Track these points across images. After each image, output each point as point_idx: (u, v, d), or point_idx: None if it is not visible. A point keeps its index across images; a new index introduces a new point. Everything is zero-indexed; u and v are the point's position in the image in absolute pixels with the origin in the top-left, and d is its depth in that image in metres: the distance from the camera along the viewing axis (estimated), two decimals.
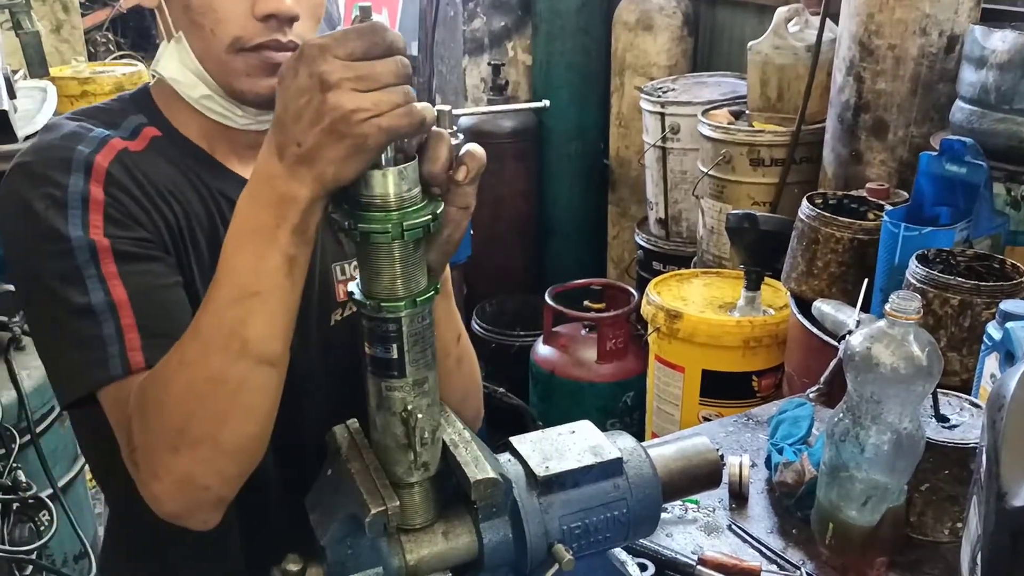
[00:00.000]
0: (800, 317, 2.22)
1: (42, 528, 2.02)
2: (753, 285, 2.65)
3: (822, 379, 1.72)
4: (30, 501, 1.98)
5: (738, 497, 1.42)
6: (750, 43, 3.08)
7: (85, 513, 2.32)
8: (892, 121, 2.47)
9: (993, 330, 1.46)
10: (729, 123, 3.10)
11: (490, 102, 4.27)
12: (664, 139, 3.42)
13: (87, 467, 2.26)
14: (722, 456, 1.16)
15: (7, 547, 1.92)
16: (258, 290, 0.81)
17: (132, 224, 0.96)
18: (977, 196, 1.98)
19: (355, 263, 1.07)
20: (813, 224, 2.17)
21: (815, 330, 2.12)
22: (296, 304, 0.84)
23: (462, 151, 0.84)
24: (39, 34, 3.41)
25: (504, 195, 4.18)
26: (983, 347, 1.49)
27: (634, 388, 3.24)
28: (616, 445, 0.95)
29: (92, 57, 4.22)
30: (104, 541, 1.26)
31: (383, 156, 0.77)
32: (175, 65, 1.02)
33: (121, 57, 4.29)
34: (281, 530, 0.94)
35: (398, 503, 0.82)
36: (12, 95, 2.65)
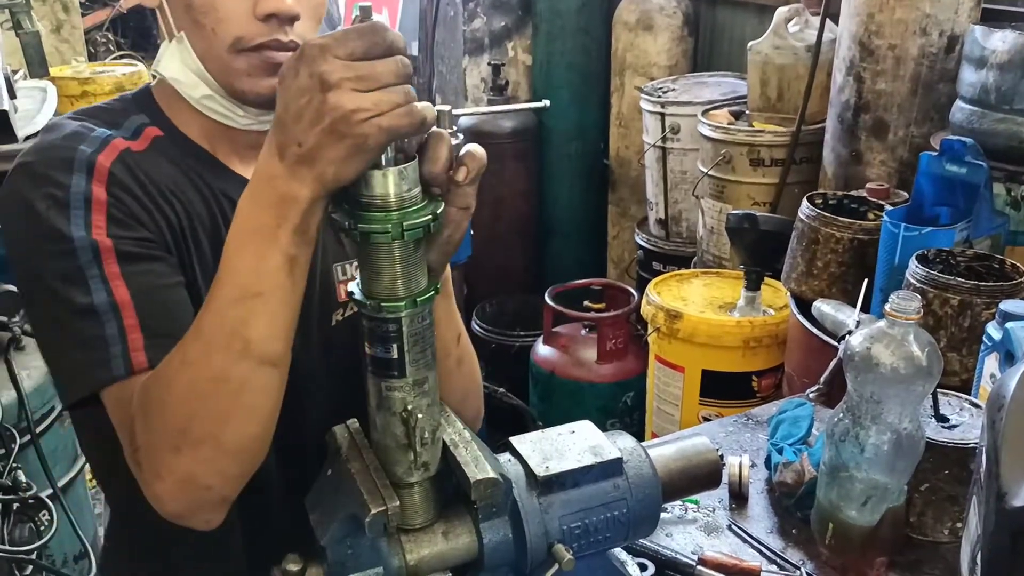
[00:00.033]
0: (800, 317, 2.22)
1: (42, 528, 2.02)
2: (753, 285, 2.65)
3: (822, 379, 1.72)
4: (30, 501, 1.98)
5: (738, 497, 1.42)
6: (750, 43, 3.08)
7: (85, 513, 2.32)
8: (892, 121, 2.47)
9: (993, 330, 1.46)
10: (729, 123, 3.10)
11: (490, 102, 4.27)
12: (664, 139, 3.42)
13: (87, 467, 2.26)
14: (722, 456, 1.16)
15: (7, 547, 1.92)
16: (260, 290, 0.81)
17: (134, 224, 0.96)
18: (977, 196, 1.98)
19: (356, 263, 1.07)
20: (813, 224, 2.17)
21: (815, 330, 2.12)
22: (298, 304, 0.84)
23: (462, 151, 0.84)
24: (39, 34, 3.42)
25: (504, 195, 4.18)
26: (983, 347, 1.49)
27: (634, 388, 3.24)
28: (616, 445, 0.95)
29: (92, 57, 4.22)
30: (105, 541, 1.26)
31: (383, 156, 0.77)
32: (176, 65, 1.02)
33: (121, 57, 4.30)
34: (283, 530, 0.94)
35: (398, 503, 0.82)
36: (12, 95, 2.65)
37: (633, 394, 3.26)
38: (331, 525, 0.83)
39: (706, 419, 2.59)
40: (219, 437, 0.84)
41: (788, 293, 2.35)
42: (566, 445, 0.94)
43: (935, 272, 1.75)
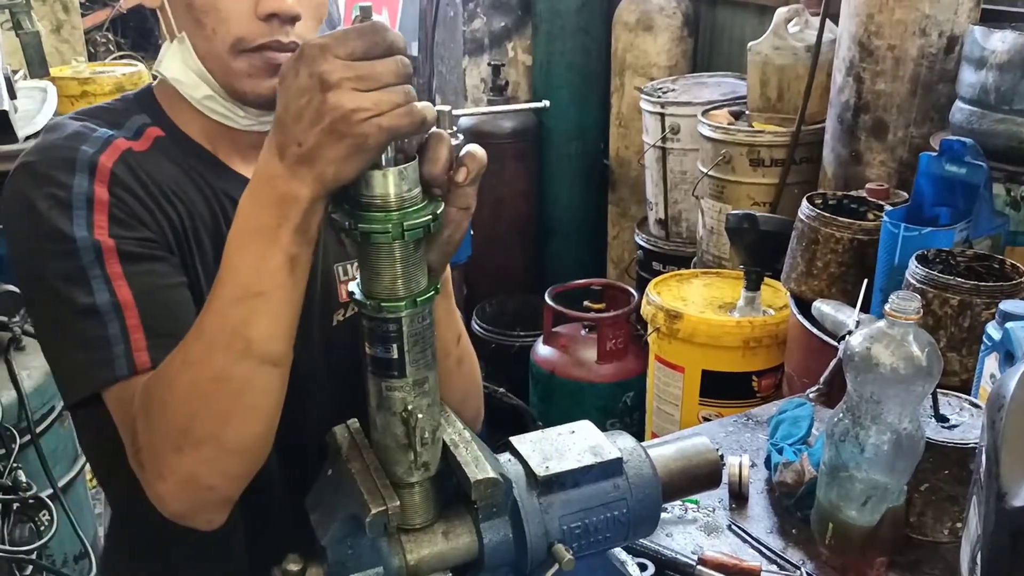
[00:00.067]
0: (800, 317, 2.22)
1: (42, 528, 2.02)
2: (753, 285, 2.65)
3: (822, 379, 1.72)
4: (30, 501, 1.98)
5: (738, 497, 1.42)
6: (750, 43, 3.08)
7: (85, 513, 2.32)
8: (892, 121, 2.48)
9: (993, 330, 1.46)
10: (729, 123, 3.10)
11: (490, 102, 4.27)
12: (664, 139, 3.43)
13: (87, 467, 2.26)
14: (722, 456, 1.16)
15: (7, 547, 1.92)
16: (261, 290, 0.81)
17: (136, 224, 0.96)
18: (977, 196, 1.98)
19: (356, 263, 1.07)
20: (813, 224, 2.17)
21: (815, 330, 2.12)
22: (299, 304, 0.84)
23: (462, 152, 0.84)
24: (39, 34, 3.42)
25: (504, 195, 4.18)
26: (983, 347, 1.49)
27: (634, 388, 3.24)
28: (616, 445, 0.95)
29: (92, 57, 4.23)
30: (106, 541, 1.26)
31: (383, 156, 0.77)
32: (177, 65, 1.02)
33: (121, 57, 4.30)
34: (284, 530, 0.94)
35: (398, 503, 0.82)
36: (12, 95, 2.65)
37: (633, 394, 3.26)
38: (331, 525, 0.83)
39: (706, 419, 2.59)
40: (221, 437, 0.84)
41: (788, 293, 2.35)
42: (566, 445, 0.94)
43: (935, 272, 1.75)
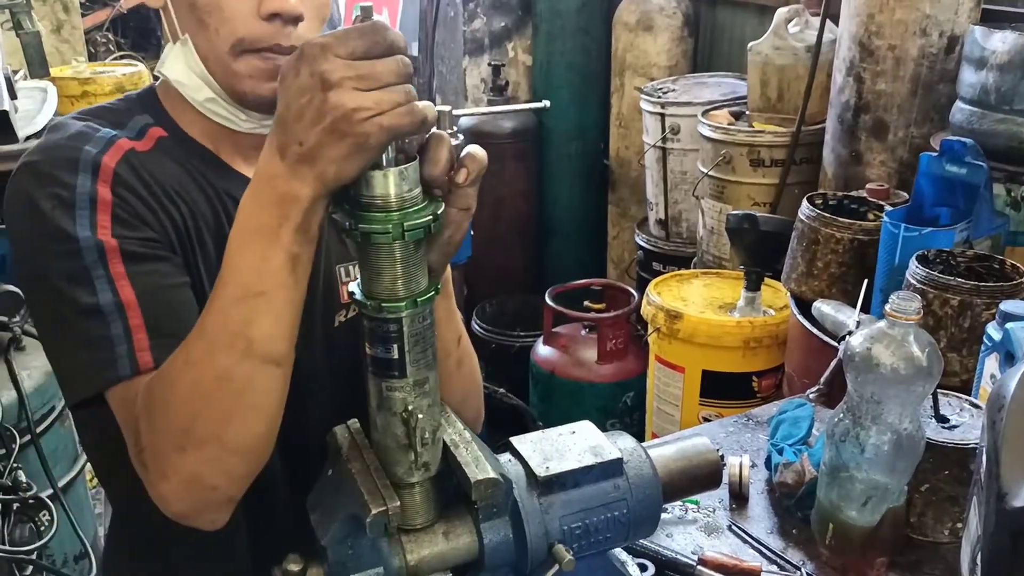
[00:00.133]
0: (800, 318, 2.22)
1: (42, 528, 2.02)
2: (753, 286, 2.65)
3: (822, 379, 1.72)
4: (30, 501, 1.98)
5: (738, 497, 1.42)
6: (750, 44, 3.08)
7: (85, 513, 2.32)
8: (892, 122, 2.48)
9: (993, 331, 1.46)
10: (729, 124, 3.10)
11: (490, 102, 4.27)
12: (664, 139, 3.43)
13: (87, 467, 2.26)
14: (722, 456, 1.16)
15: (7, 547, 1.92)
16: (262, 290, 0.81)
17: (139, 224, 0.96)
18: (977, 197, 1.98)
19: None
20: (813, 225, 2.17)
21: (815, 331, 2.12)
22: (300, 303, 0.84)
23: (463, 153, 0.84)
24: (39, 34, 3.42)
25: (504, 195, 4.18)
26: (983, 348, 1.49)
27: (634, 388, 3.25)
28: (616, 445, 0.95)
29: (92, 57, 4.23)
30: (106, 541, 1.26)
31: (384, 156, 0.77)
32: (180, 67, 1.02)
33: (121, 57, 4.30)
34: (287, 530, 0.94)
35: (399, 503, 0.82)
36: (13, 95, 2.66)
37: (633, 394, 3.26)
38: (332, 525, 0.83)
39: (706, 419, 2.59)
40: (223, 437, 0.84)
41: (788, 293, 2.35)
42: (566, 445, 0.94)
43: (935, 272, 1.76)
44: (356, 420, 0.93)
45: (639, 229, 3.81)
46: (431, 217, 0.78)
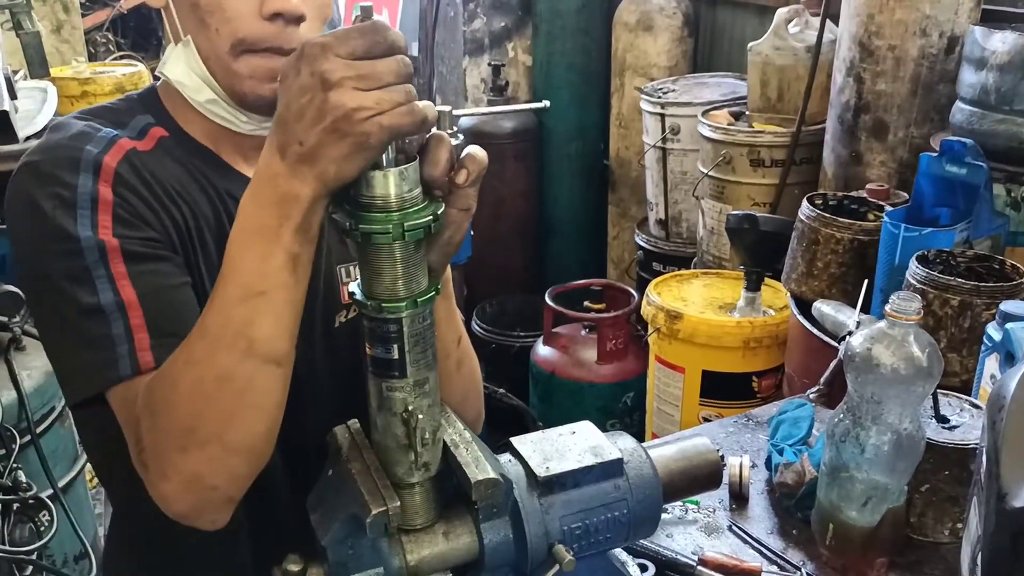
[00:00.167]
0: (800, 318, 2.22)
1: (42, 528, 2.02)
2: (753, 286, 2.65)
3: (822, 380, 1.72)
4: (30, 501, 1.98)
5: (738, 498, 1.42)
6: (750, 44, 3.08)
7: (85, 513, 2.32)
8: (892, 122, 2.48)
9: (993, 331, 1.46)
10: (729, 124, 3.10)
11: (490, 103, 4.27)
12: (664, 140, 3.43)
13: (87, 467, 2.26)
14: (722, 457, 1.16)
15: (7, 547, 1.92)
16: (263, 289, 0.81)
17: (141, 224, 0.96)
18: (977, 197, 1.98)
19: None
20: (813, 225, 2.17)
21: (815, 331, 2.12)
22: (301, 302, 0.84)
23: (463, 153, 0.84)
24: (39, 34, 3.42)
25: (504, 195, 4.18)
26: (983, 348, 1.49)
27: (634, 389, 3.25)
28: (616, 446, 0.95)
29: (92, 57, 4.23)
30: (107, 541, 1.26)
31: (384, 157, 0.77)
32: (181, 68, 1.02)
33: (121, 57, 4.30)
34: (289, 530, 0.94)
35: (399, 503, 0.82)
36: (13, 95, 2.66)
37: (633, 394, 3.26)
38: (332, 525, 0.83)
39: (706, 420, 2.59)
40: (224, 436, 0.84)
41: (788, 294, 2.35)
42: (567, 446, 0.94)
43: (935, 273, 1.76)
44: (356, 420, 0.93)
45: (639, 229, 3.81)
46: (431, 217, 0.78)
